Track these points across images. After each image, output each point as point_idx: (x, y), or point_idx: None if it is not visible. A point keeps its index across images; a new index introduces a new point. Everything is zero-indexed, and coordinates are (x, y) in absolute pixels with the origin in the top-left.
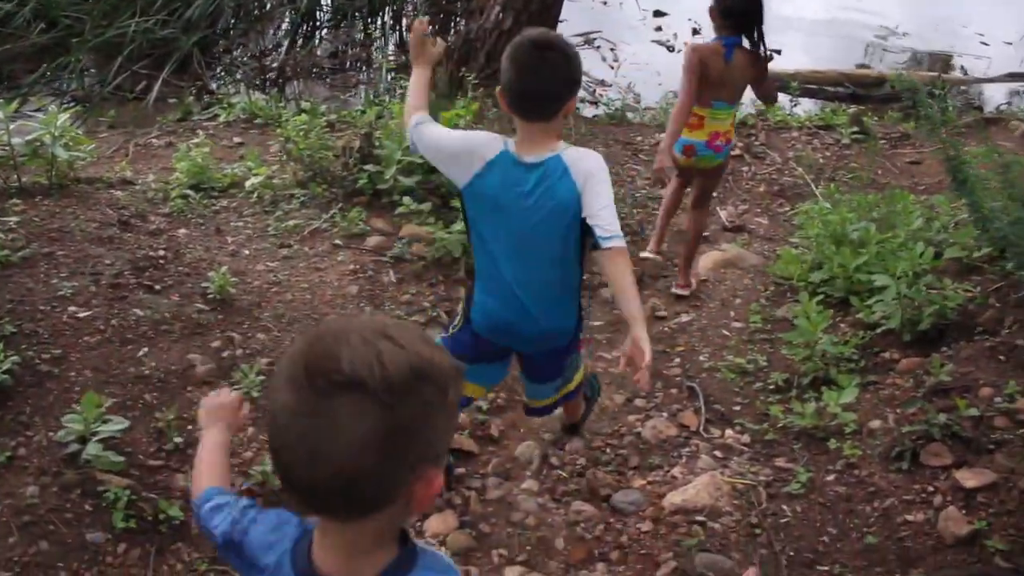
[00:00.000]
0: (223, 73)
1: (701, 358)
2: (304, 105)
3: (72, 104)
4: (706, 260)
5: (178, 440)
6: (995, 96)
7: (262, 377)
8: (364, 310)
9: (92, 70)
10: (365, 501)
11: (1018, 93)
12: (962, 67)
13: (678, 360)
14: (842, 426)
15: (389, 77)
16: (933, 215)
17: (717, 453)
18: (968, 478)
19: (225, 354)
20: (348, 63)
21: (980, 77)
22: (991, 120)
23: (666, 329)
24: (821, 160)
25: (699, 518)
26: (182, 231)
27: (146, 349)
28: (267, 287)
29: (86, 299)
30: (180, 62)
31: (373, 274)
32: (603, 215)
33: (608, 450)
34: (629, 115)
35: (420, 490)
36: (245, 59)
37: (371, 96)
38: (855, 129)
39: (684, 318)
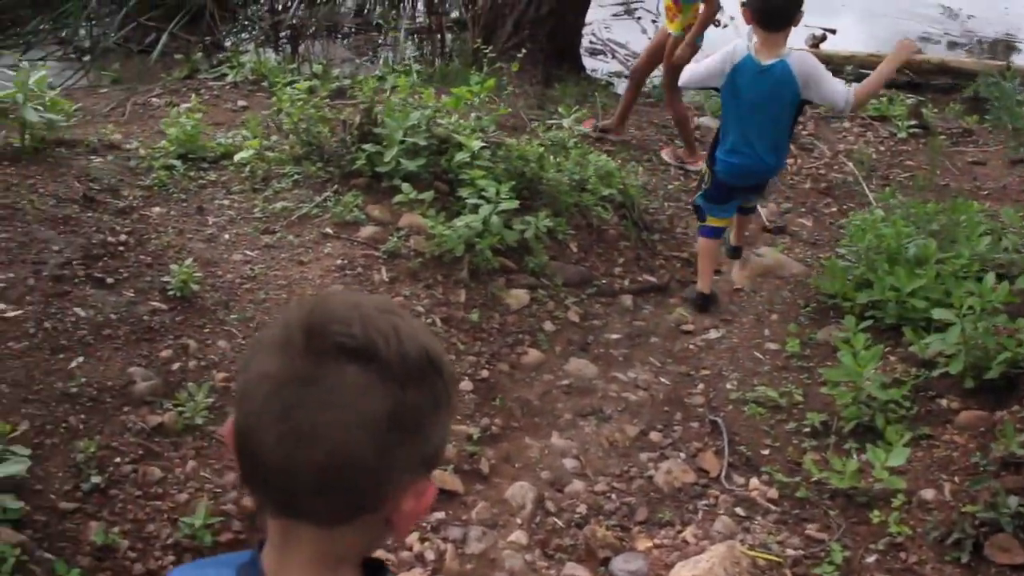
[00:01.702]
0: (239, 28)
1: (728, 386)
2: (315, 68)
3: (75, 55)
4: (741, 267)
5: (97, 480)
6: None
7: (212, 399)
8: None
9: (107, 19)
10: (352, 499)
11: None
12: None
13: (701, 386)
14: (888, 493)
15: (411, 42)
16: (999, 227)
17: (739, 510)
18: None
19: (175, 366)
20: (374, 23)
21: None
22: None
23: (691, 347)
24: (874, 155)
25: None
26: (156, 209)
27: (80, 359)
28: (239, 282)
29: (19, 294)
30: (192, 15)
31: (363, 271)
32: (830, 94)
33: (613, 496)
34: None
35: (409, 502)
36: (263, 13)
37: (390, 62)
38: (913, 122)
39: (713, 334)
